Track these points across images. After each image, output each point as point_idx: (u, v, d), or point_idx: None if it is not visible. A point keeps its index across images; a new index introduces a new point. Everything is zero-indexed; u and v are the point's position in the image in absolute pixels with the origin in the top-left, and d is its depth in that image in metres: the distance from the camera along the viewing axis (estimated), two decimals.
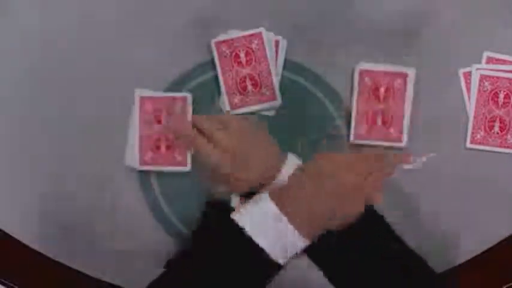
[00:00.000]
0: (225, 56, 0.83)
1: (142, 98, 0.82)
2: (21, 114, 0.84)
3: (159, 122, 0.82)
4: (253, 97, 0.83)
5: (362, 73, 0.83)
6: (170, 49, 0.84)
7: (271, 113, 0.83)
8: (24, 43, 0.84)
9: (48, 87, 0.84)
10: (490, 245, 0.81)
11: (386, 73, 0.83)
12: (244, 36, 0.83)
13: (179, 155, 0.82)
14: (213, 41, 0.83)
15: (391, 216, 0.80)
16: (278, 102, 0.83)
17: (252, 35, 0.83)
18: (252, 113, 0.83)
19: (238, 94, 0.83)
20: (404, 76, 0.83)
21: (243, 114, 0.83)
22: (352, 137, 0.83)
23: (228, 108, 0.83)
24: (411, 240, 0.74)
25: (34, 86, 0.84)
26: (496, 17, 0.84)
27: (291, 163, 0.71)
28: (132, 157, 0.82)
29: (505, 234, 0.82)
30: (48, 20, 0.84)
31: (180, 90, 0.83)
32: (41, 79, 0.84)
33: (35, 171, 0.83)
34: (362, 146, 0.83)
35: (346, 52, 0.83)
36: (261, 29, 0.83)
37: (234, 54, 0.83)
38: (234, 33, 0.83)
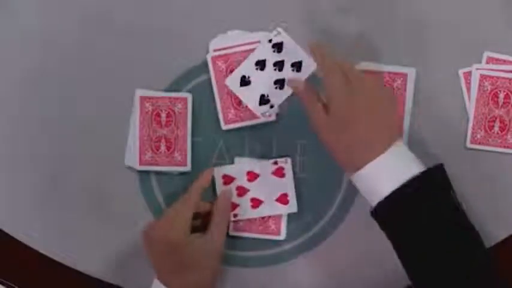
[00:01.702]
0: (220, 71, 0.83)
1: (142, 98, 0.82)
2: (21, 114, 0.84)
3: (159, 122, 0.82)
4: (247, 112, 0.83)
5: None
6: (170, 49, 0.84)
7: (273, 118, 0.83)
8: (24, 43, 0.84)
9: (48, 87, 0.84)
10: (489, 245, 0.81)
11: (386, 73, 0.83)
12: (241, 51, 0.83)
13: (179, 155, 0.82)
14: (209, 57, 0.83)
15: None
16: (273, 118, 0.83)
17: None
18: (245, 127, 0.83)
19: (232, 109, 0.83)
20: (404, 76, 0.83)
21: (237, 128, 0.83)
22: None
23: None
24: None
25: (34, 86, 0.84)
26: (496, 17, 0.84)
27: (395, 154, 0.69)
28: (132, 157, 0.82)
29: (504, 234, 0.82)
30: (48, 20, 0.84)
31: (180, 90, 0.83)
32: (41, 79, 0.84)
33: (35, 171, 0.83)
34: None
35: (346, 52, 0.83)
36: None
37: (229, 70, 0.83)
38: (234, 34, 0.83)
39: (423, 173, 0.68)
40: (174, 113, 0.82)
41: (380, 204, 0.68)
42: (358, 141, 0.70)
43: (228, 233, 0.82)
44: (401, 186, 0.67)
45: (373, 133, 0.70)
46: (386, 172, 0.68)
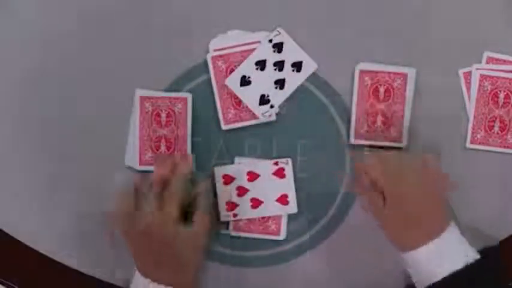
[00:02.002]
0: (220, 71, 0.83)
1: (142, 98, 0.82)
2: (21, 114, 0.84)
3: (159, 122, 0.82)
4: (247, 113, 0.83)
5: (362, 73, 0.83)
6: (170, 49, 0.83)
7: (273, 118, 0.83)
8: (24, 43, 0.84)
9: (48, 87, 0.84)
10: (490, 245, 0.81)
11: (386, 73, 0.83)
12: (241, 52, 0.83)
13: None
14: (209, 56, 0.83)
15: None
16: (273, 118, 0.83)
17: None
18: (245, 127, 0.83)
19: (232, 109, 0.83)
20: (404, 76, 0.83)
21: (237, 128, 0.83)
22: (352, 137, 0.83)
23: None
24: None
25: (34, 86, 0.84)
26: (496, 17, 0.84)
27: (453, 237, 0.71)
28: (132, 157, 0.82)
29: (505, 234, 0.82)
30: (48, 20, 0.84)
31: (180, 90, 0.83)
32: (41, 79, 0.84)
33: (35, 171, 0.83)
34: (362, 146, 0.83)
35: (346, 52, 0.83)
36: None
37: (229, 70, 0.83)
38: (234, 34, 0.83)
39: (476, 263, 0.69)
40: (174, 113, 0.82)
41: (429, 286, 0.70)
42: (415, 225, 0.71)
43: (228, 232, 0.82)
44: (453, 273, 0.68)
45: (430, 217, 0.71)
46: (440, 256, 0.70)
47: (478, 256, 0.70)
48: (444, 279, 0.68)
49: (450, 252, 0.70)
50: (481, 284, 0.68)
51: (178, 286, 0.72)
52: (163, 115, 0.82)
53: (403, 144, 0.82)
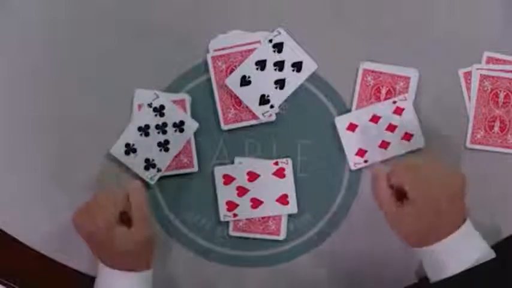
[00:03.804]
0: (221, 71, 0.83)
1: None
2: (20, 114, 0.84)
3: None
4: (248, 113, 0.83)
5: (366, 72, 0.83)
6: (170, 49, 0.83)
7: (273, 118, 0.83)
8: (24, 43, 0.84)
9: (48, 87, 0.84)
10: (489, 245, 0.81)
11: (389, 75, 0.82)
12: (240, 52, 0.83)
13: (185, 158, 0.82)
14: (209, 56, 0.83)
15: None
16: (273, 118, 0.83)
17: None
18: (245, 127, 0.83)
19: (232, 109, 0.83)
20: (407, 80, 0.82)
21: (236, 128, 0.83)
22: None
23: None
24: None
25: (34, 86, 0.83)
26: (496, 17, 0.84)
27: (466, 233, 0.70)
28: None
29: (504, 234, 0.82)
30: (48, 19, 0.84)
31: (180, 90, 0.83)
32: (41, 79, 0.84)
33: (35, 171, 0.83)
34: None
35: (346, 52, 0.83)
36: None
37: (229, 70, 0.83)
38: (234, 34, 0.83)
39: (490, 261, 0.69)
40: None
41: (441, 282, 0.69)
42: (430, 224, 0.69)
43: (228, 234, 0.83)
44: (465, 270, 0.68)
45: (446, 215, 0.69)
46: (455, 252, 0.69)
47: (492, 252, 0.70)
48: (460, 274, 0.68)
49: (466, 247, 0.69)
50: (498, 280, 0.68)
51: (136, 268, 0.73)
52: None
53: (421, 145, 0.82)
